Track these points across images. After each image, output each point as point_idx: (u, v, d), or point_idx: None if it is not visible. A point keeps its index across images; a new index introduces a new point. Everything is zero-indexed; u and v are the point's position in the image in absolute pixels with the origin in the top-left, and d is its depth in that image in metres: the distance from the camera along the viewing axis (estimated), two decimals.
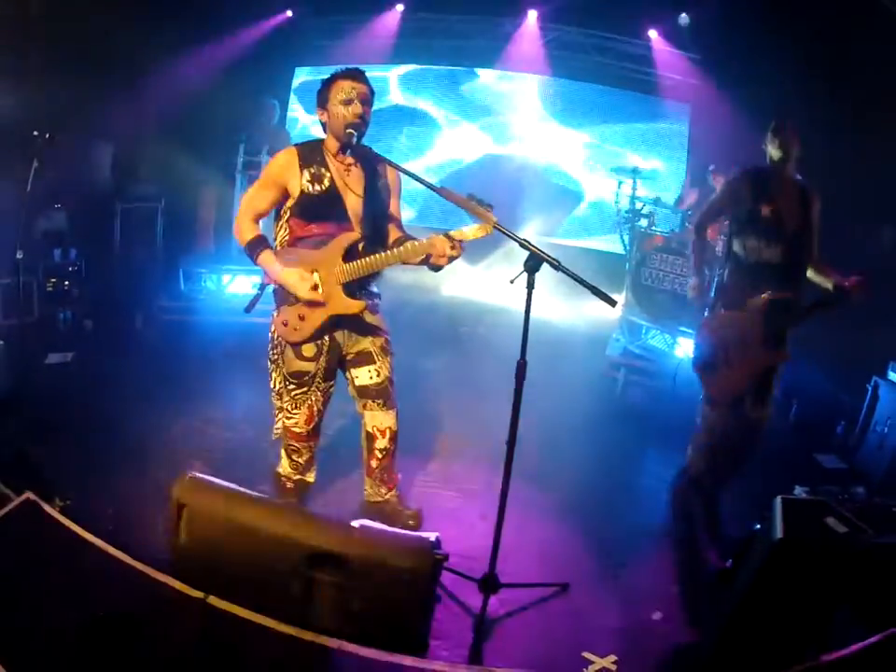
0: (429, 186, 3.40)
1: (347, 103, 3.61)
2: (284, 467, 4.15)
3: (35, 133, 5.27)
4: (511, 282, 3.17)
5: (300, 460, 4.08)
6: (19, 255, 5.44)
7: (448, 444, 5.53)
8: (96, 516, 3.99)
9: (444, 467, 5.16)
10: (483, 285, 9.65)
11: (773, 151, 4.30)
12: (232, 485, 3.22)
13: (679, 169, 9.78)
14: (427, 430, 5.58)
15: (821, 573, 2.91)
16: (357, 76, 3.67)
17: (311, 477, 4.20)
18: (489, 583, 3.49)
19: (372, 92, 3.75)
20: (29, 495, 3.42)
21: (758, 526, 3.46)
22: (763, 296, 4.10)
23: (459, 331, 8.34)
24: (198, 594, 2.90)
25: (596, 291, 3.05)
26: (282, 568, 2.93)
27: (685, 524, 4.54)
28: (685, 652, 3.45)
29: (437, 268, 3.67)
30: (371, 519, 3.93)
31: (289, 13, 9.60)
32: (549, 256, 3.07)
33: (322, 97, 3.71)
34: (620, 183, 8.59)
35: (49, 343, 6.68)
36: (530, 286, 3.15)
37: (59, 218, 7.30)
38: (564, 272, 3.09)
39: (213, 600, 2.88)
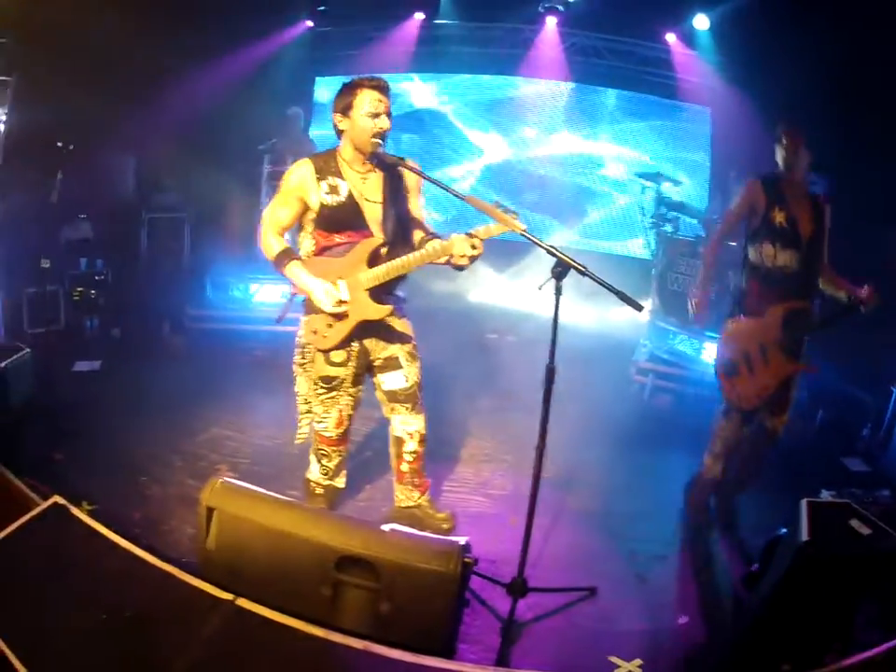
0: (454, 193, 3.41)
1: (375, 116, 3.61)
2: (313, 472, 4.17)
3: (59, 143, 5.32)
4: (540, 288, 3.20)
5: (329, 465, 4.10)
6: (44, 264, 5.48)
7: (476, 450, 5.54)
8: (123, 520, 4.00)
9: (473, 472, 5.17)
10: (510, 291, 9.63)
11: (779, 158, 4.34)
12: (262, 490, 3.25)
13: (701, 173, 9.74)
14: (455, 436, 5.59)
15: (846, 575, 2.91)
16: (386, 89, 3.67)
17: (341, 482, 4.22)
18: (517, 588, 3.47)
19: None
20: (57, 498, 3.45)
21: (783, 531, 3.41)
22: (781, 305, 4.14)
23: (487, 338, 8.32)
24: (227, 595, 2.92)
25: (624, 297, 3.05)
26: (311, 572, 2.97)
27: (699, 528, 4.59)
28: (710, 656, 3.43)
29: (459, 268, 3.66)
30: (402, 524, 4.01)
31: (310, 23, 9.66)
32: (576, 262, 3.08)
33: (344, 103, 3.66)
34: (644, 188, 8.58)
35: (77, 351, 6.75)
36: (558, 291, 3.15)
37: (84, 228, 7.36)
38: (591, 277, 3.08)
39: (242, 602, 2.91)
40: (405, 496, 4.25)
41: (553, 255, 3.12)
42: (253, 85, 8.36)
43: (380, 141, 3.60)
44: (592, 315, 8.57)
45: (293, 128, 8.81)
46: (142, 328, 7.47)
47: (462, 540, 3.03)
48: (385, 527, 3.06)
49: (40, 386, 5.27)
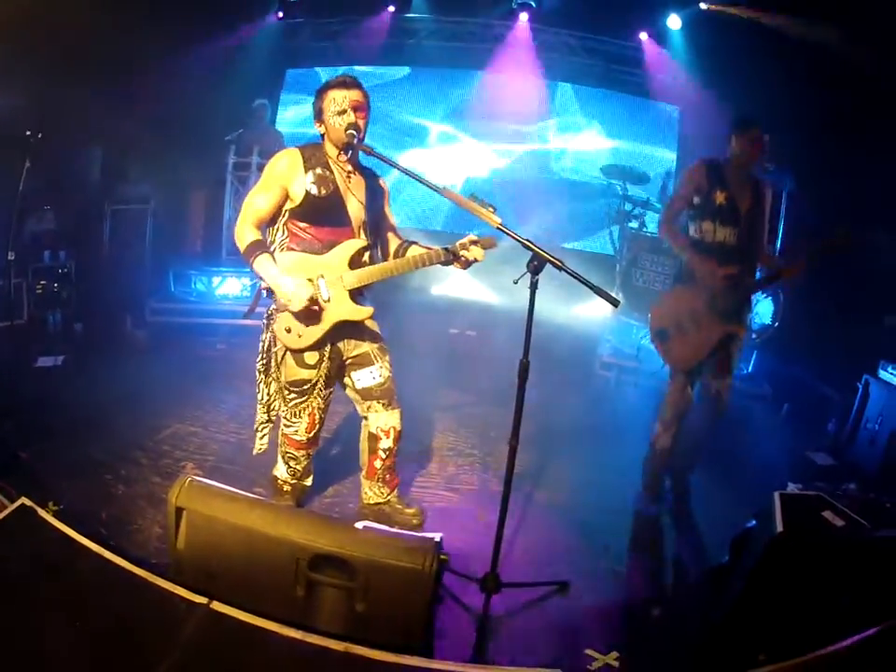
0: (430, 185, 3.36)
1: (341, 113, 3.61)
2: (281, 471, 4.13)
3: (28, 132, 5.21)
4: (515, 282, 3.19)
5: (297, 467, 4.08)
6: (10, 256, 5.37)
7: (441, 444, 5.55)
8: (90, 520, 3.94)
9: (439, 467, 5.17)
10: (472, 285, 9.59)
11: (734, 148, 4.56)
12: (231, 489, 3.21)
13: (667, 168, 9.78)
14: (419, 431, 5.57)
15: (821, 566, 2.94)
16: (349, 84, 3.66)
17: (308, 481, 4.21)
18: (490, 584, 3.46)
19: (366, 96, 3.73)
20: (24, 500, 3.36)
21: (753, 523, 3.50)
22: (713, 271, 4.38)
23: (449, 333, 8.33)
24: (202, 599, 2.86)
25: (599, 291, 3.05)
26: (285, 571, 2.94)
27: (653, 499, 4.82)
28: (687, 647, 3.44)
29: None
30: (372, 520, 3.98)
31: (280, 14, 9.53)
32: (552, 256, 3.06)
33: (316, 109, 3.72)
34: (609, 184, 8.61)
35: (39, 345, 6.64)
36: (533, 286, 3.14)
37: (48, 220, 7.21)
38: (567, 272, 3.07)
39: (217, 605, 2.85)
40: (374, 492, 4.22)
41: (530, 249, 3.10)
42: (221, 76, 8.24)
43: (354, 133, 3.55)
44: (555, 309, 8.55)
45: (259, 120, 8.75)
46: (104, 322, 7.38)
47: (436, 537, 3.02)
48: (359, 525, 3.04)
49: (2, 383, 5.25)
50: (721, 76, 8.05)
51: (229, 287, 8.06)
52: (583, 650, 3.36)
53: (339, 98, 3.62)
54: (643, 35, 9.01)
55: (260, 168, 7.99)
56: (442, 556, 2.92)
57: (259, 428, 4.06)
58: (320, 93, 3.70)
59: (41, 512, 3.33)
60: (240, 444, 5.13)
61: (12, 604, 2.83)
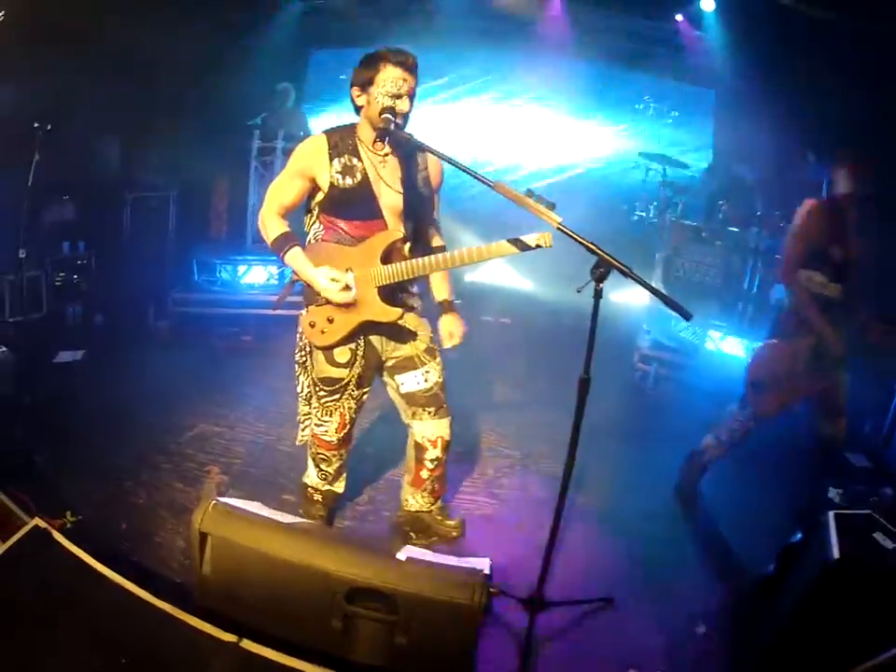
0: (481, 179, 2.90)
1: (396, 97, 3.19)
2: (311, 476, 3.88)
3: (36, 124, 4.98)
4: (579, 291, 2.77)
5: (329, 469, 3.81)
6: (21, 254, 5.16)
7: (481, 445, 5.29)
8: (109, 533, 3.79)
9: (479, 470, 4.93)
10: (505, 270, 9.17)
11: (840, 182, 4.16)
12: (259, 510, 3.05)
13: (704, 156, 9.37)
14: (456, 429, 5.21)
15: (875, 592, 2.78)
16: (410, 67, 3.20)
17: (340, 487, 3.94)
18: (536, 604, 3.18)
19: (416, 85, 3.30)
20: (38, 521, 3.17)
21: (799, 536, 3.42)
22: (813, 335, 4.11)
23: (482, 321, 7.98)
24: (230, 637, 2.67)
25: (672, 304, 2.70)
26: (319, 603, 2.77)
27: (686, 504, 4.64)
28: (731, 668, 3.32)
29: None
30: (409, 529, 3.98)
31: None
32: (619, 262, 2.68)
33: (364, 78, 3.23)
34: (648, 170, 8.30)
35: (59, 339, 6.44)
36: (598, 295, 2.75)
37: (67, 210, 7.02)
38: (635, 279, 2.70)
39: (246, 643, 2.66)
40: (418, 500, 3.97)
41: (596, 254, 2.71)
42: (242, 60, 7.96)
43: (390, 117, 3.14)
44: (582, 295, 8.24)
45: (283, 103, 8.51)
46: (126, 314, 7.16)
47: (485, 566, 2.82)
48: (401, 555, 2.82)
49: (20, 381, 5.00)
50: (758, 60, 7.68)
51: (255, 275, 7.79)
52: (627, 669, 3.21)
53: (398, 79, 3.17)
54: (678, 17, 8.63)
55: (285, 152, 7.85)
56: (492, 589, 2.73)
57: (302, 420, 3.81)
58: (374, 62, 3.21)
59: (56, 535, 3.15)
60: (268, 446, 4.93)
61: (25, 638, 2.68)
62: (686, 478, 4.68)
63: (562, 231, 2.76)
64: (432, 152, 3.10)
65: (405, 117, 3.24)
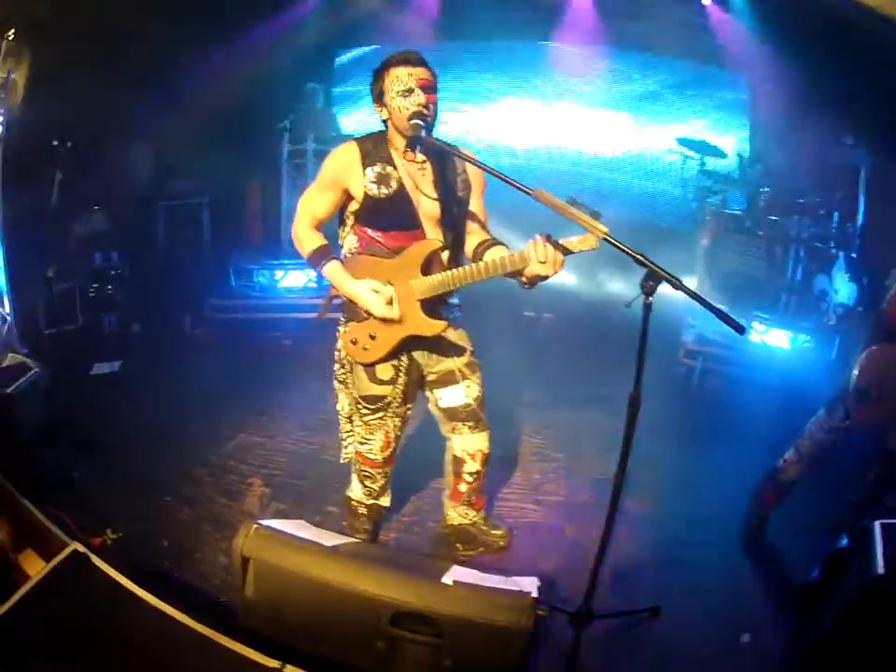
0: (518, 187, 2.70)
1: (407, 93, 3.07)
2: (355, 491, 3.79)
3: (56, 142, 4.95)
4: (628, 305, 2.66)
5: (374, 486, 3.71)
6: (49, 273, 5.15)
7: (524, 448, 5.18)
8: (151, 551, 3.78)
9: (523, 475, 4.81)
10: None
11: None
12: (300, 532, 3.00)
13: (740, 142, 9.11)
14: (500, 433, 5.04)
15: None
16: (413, 60, 3.11)
17: (385, 501, 3.83)
18: (583, 619, 3.07)
19: (434, 76, 3.18)
20: (77, 545, 3.11)
21: (845, 542, 3.34)
22: None
23: (524, 316, 7.82)
24: (274, 663, 2.61)
25: (724, 317, 2.56)
26: (363, 625, 2.72)
27: (755, 533, 4.28)
28: None
29: (529, 283, 3.13)
30: (455, 540, 3.92)
31: None
32: (669, 273, 2.56)
33: (377, 91, 3.19)
34: (686, 158, 8.17)
35: (95, 350, 6.43)
36: (647, 309, 2.62)
37: (98, 221, 7.01)
38: (686, 291, 2.59)
39: (290, 670, 2.60)
40: (458, 514, 3.89)
41: (645, 266, 2.58)
42: (267, 63, 7.88)
43: (420, 122, 3.00)
44: (635, 288, 8.06)
45: (312, 104, 8.44)
46: (163, 322, 7.13)
47: (533, 587, 2.74)
48: (447, 578, 2.74)
49: (57, 395, 4.99)
50: (791, 42, 7.45)
51: (292, 279, 7.76)
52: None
53: (403, 76, 3.08)
54: (706, 0, 8.40)
55: (317, 154, 7.80)
56: (539, 612, 2.62)
57: (344, 437, 3.74)
58: (379, 73, 3.17)
59: (95, 560, 3.08)
60: (310, 455, 4.87)
61: (63, 665, 2.67)
62: (758, 508, 4.30)
63: (608, 241, 2.62)
64: (465, 159, 3.01)
65: (433, 116, 3.14)
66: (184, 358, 6.46)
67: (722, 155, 7.99)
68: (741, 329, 2.55)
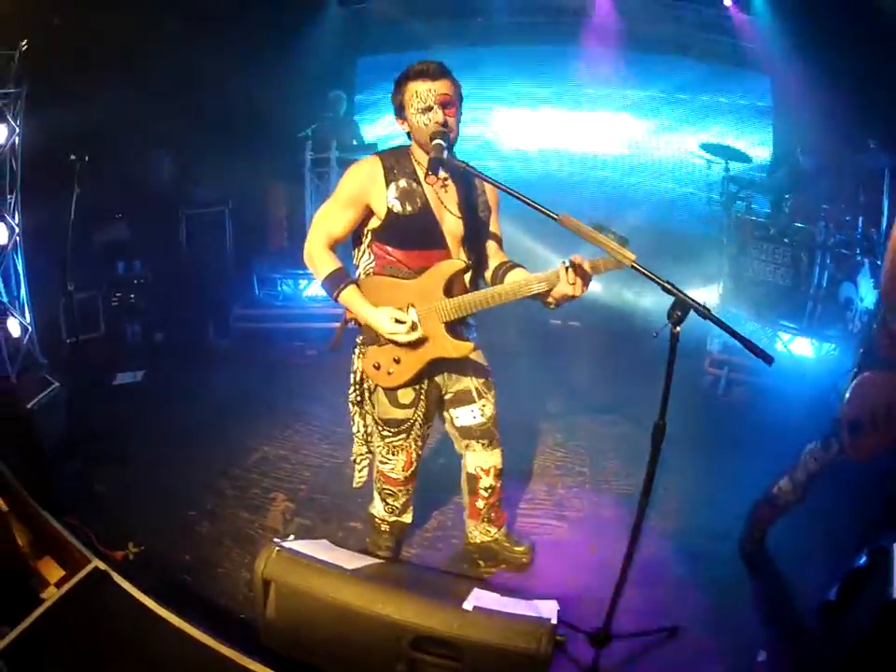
0: (543, 211, 2.63)
1: (426, 110, 2.99)
2: (378, 508, 3.75)
3: (73, 156, 4.96)
4: (655, 335, 2.56)
5: (396, 504, 3.68)
6: (70, 286, 5.17)
7: (548, 461, 5.11)
8: (172, 565, 3.78)
9: (546, 490, 4.74)
10: None
11: None
12: (321, 553, 3.02)
13: (763, 147, 8.95)
14: (524, 445, 5.18)
15: None
16: (432, 74, 2.99)
17: (408, 518, 3.79)
18: (601, 639, 3.04)
19: (456, 87, 3.07)
20: (98, 563, 3.14)
21: (863, 560, 3.26)
22: None
23: (550, 325, 7.71)
24: None
25: (751, 346, 2.43)
26: (384, 649, 2.71)
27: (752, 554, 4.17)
28: None
29: (554, 304, 3.09)
30: (477, 557, 3.90)
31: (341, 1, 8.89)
32: (696, 302, 2.48)
33: (397, 104, 3.10)
34: (710, 163, 8.08)
35: (118, 359, 6.49)
36: (674, 339, 2.53)
37: (120, 230, 7.08)
38: (714, 321, 2.49)
39: None
40: (480, 531, 3.85)
41: (672, 294, 2.50)
42: (287, 72, 7.89)
43: (441, 143, 2.88)
44: (661, 297, 7.94)
45: (335, 112, 8.43)
46: (186, 331, 7.15)
47: (552, 611, 2.74)
48: (468, 604, 2.74)
49: (79, 405, 5.04)
50: (813, 44, 7.34)
51: (317, 288, 7.69)
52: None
53: (422, 91, 2.98)
54: (727, 1, 8.31)
55: (340, 163, 7.75)
56: (558, 638, 2.64)
57: (358, 460, 3.66)
58: (399, 85, 3.06)
59: (116, 577, 3.11)
60: (334, 470, 4.85)
61: None
62: (753, 529, 4.21)
63: (637, 269, 2.54)
64: (492, 182, 2.90)
65: (455, 131, 3.06)
66: (207, 368, 6.46)
67: (746, 159, 7.89)
68: (769, 360, 2.44)
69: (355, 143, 8.38)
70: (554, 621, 2.66)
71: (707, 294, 7.41)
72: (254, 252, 8.16)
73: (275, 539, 3.82)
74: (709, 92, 8.98)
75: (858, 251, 6.46)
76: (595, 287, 7.99)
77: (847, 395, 3.81)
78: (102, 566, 3.11)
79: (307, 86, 8.26)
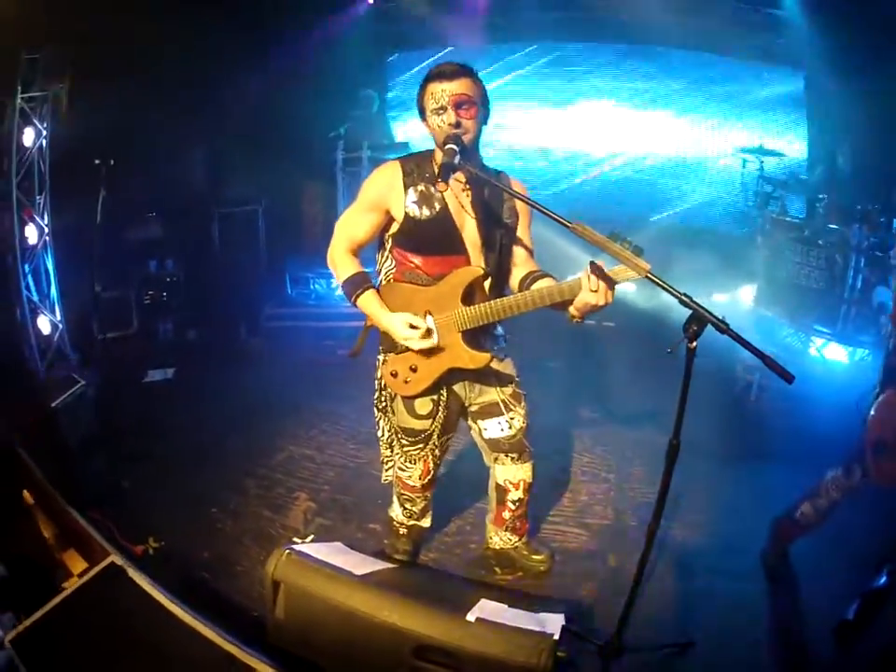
0: (558, 219, 2.55)
1: (439, 112, 2.92)
2: (396, 511, 3.78)
3: (98, 161, 5.03)
4: (670, 351, 2.49)
5: (414, 508, 3.69)
6: (97, 288, 5.26)
7: (575, 468, 5.03)
8: (191, 561, 3.82)
9: (570, 496, 4.68)
10: None
11: None
12: (332, 557, 3.05)
13: (798, 146, 8.79)
14: (549, 448, 5.07)
15: None
16: (448, 74, 2.91)
17: (426, 522, 3.81)
18: (611, 651, 3.01)
19: (476, 86, 2.97)
20: (114, 558, 3.18)
21: (883, 580, 3.26)
22: None
23: (586, 325, 7.68)
24: None
25: (771, 363, 2.35)
26: (387, 655, 2.74)
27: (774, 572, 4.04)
28: None
29: (578, 317, 2.94)
30: (495, 563, 3.87)
31: (370, 0, 8.88)
32: (714, 316, 2.41)
33: (419, 107, 3.04)
34: (745, 163, 7.99)
35: (150, 356, 6.57)
36: (691, 354, 2.47)
37: (154, 228, 7.18)
38: (732, 336, 2.41)
39: None
40: (501, 538, 3.83)
41: (689, 307, 2.44)
42: (318, 71, 7.91)
43: (454, 147, 2.80)
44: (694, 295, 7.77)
45: (367, 111, 8.44)
46: (217, 330, 7.21)
47: (556, 627, 2.72)
48: (472, 615, 2.73)
49: (109, 402, 5.16)
50: (846, 40, 7.14)
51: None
52: None
53: (437, 92, 2.91)
54: None
55: (372, 162, 7.78)
56: (559, 654, 2.59)
57: (384, 461, 3.70)
58: (420, 87, 3.02)
59: (131, 573, 3.13)
60: (357, 470, 4.85)
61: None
62: (775, 545, 4.11)
63: (651, 279, 2.48)
64: (505, 189, 2.90)
65: (473, 133, 2.98)
66: (238, 367, 6.50)
67: (781, 158, 7.86)
68: (790, 379, 2.35)
69: (386, 142, 8.40)
70: (557, 636, 2.63)
71: (745, 294, 7.35)
72: (287, 251, 8.23)
73: (294, 539, 3.93)
74: (744, 89, 8.82)
75: (892, 254, 6.35)
76: (629, 287, 7.93)
77: (871, 414, 3.69)
78: (118, 561, 3.15)
79: (339, 85, 8.30)
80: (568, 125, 9.60)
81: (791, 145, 8.52)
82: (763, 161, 7.74)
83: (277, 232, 8.34)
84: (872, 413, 3.70)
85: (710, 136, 9.17)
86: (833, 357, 6.47)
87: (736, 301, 7.64)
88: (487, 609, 2.82)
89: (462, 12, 8.42)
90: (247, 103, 7.11)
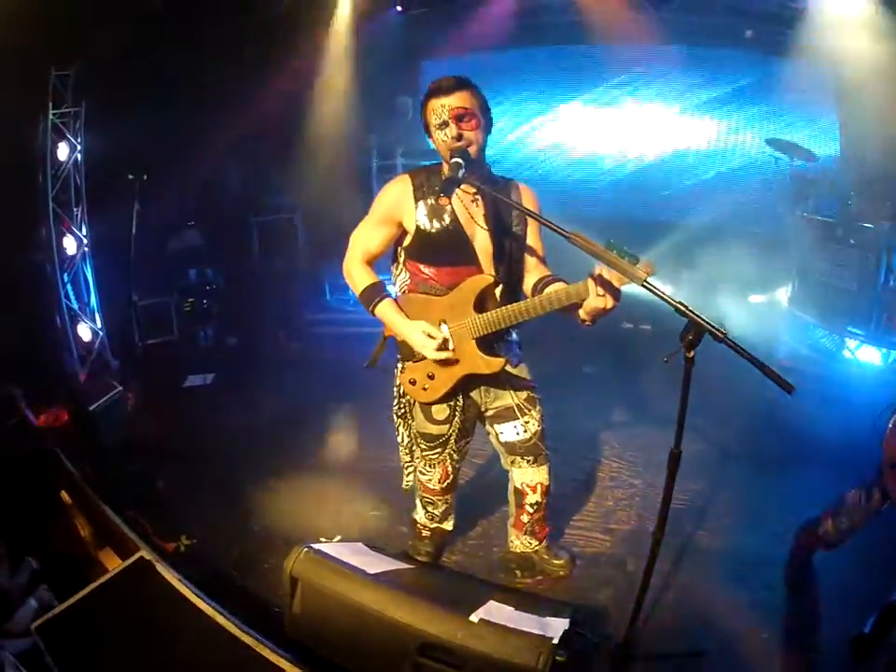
0: (555, 229, 2.62)
1: (441, 127, 2.97)
2: (419, 515, 3.85)
3: (131, 176, 5.17)
4: (666, 361, 2.50)
5: (435, 511, 3.76)
6: (134, 297, 5.41)
7: (602, 473, 5.03)
8: (220, 559, 3.94)
9: (596, 501, 4.68)
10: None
11: None
12: (350, 557, 3.16)
13: (832, 143, 8.47)
14: (578, 453, 5.15)
15: None
16: (446, 89, 2.94)
17: (449, 525, 3.86)
18: (619, 657, 3.08)
19: (475, 99, 3.00)
20: (143, 553, 3.32)
21: None
22: None
23: (622, 328, 7.69)
24: None
25: (771, 374, 2.36)
26: (393, 650, 2.84)
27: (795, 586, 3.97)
28: None
29: (589, 320, 2.95)
30: (515, 567, 3.90)
31: (400, 8, 8.79)
32: (712, 324, 2.42)
33: (423, 122, 3.11)
34: (776, 160, 7.90)
35: (190, 362, 6.72)
36: (689, 364, 2.50)
37: (192, 237, 7.35)
38: (730, 346, 2.41)
39: None
40: (521, 542, 3.87)
41: (686, 316, 2.46)
42: (357, 76, 8.03)
43: (459, 161, 2.84)
44: (730, 295, 7.52)
45: (402, 118, 8.50)
46: (258, 336, 7.36)
47: (558, 632, 2.76)
48: (475, 616, 2.81)
49: (148, 406, 5.33)
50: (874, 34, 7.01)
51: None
52: None
53: (437, 108, 2.96)
54: None
55: (405, 169, 7.79)
56: (559, 657, 2.62)
57: (404, 466, 3.78)
58: (421, 105, 3.07)
59: (159, 567, 3.26)
60: (386, 472, 4.84)
61: (117, 665, 2.85)
62: (798, 555, 4.02)
63: (647, 288, 2.48)
64: (505, 201, 2.97)
65: (477, 144, 3.02)
66: (276, 372, 6.64)
67: (813, 158, 7.65)
68: (789, 389, 2.35)
69: (420, 149, 8.45)
70: (557, 639, 2.68)
71: (781, 294, 7.32)
72: (325, 257, 8.24)
73: (321, 539, 4.01)
74: (773, 88, 8.61)
75: None
76: (667, 288, 7.89)
77: (889, 429, 3.57)
78: (147, 555, 3.28)
79: (373, 92, 8.32)
80: (575, 126, 9.61)
81: (824, 143, 8.36)
82: (794, 160, 7.63)
83: (314, 239, 8.43)
84: (890, 425, 3.53)
85: (743, 136, 9.09)
86: (866, 359, 6.37)
87: (773, 302, 7.56)
88: (493, 610, 2.89)
89: (492, 17, 8.44)
90: (283, 112, 7.23)
